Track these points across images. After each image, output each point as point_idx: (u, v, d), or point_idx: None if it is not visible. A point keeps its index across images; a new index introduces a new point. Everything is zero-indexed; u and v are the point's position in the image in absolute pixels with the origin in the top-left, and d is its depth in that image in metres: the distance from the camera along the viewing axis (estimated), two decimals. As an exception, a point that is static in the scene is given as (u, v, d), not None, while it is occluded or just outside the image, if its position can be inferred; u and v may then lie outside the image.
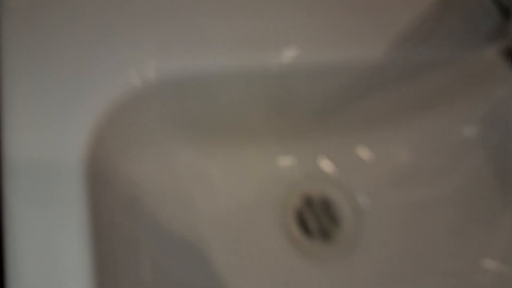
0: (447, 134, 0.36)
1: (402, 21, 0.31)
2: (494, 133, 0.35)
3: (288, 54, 0.30)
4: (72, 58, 0.28)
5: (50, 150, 0.25)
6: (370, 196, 0.37)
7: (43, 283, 0.22)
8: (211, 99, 0.32)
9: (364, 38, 0.31)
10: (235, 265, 0.33)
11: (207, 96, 0.32)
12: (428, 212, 0.36)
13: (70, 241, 0.23)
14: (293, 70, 0.31)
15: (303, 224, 0.36)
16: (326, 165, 0.38)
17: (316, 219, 0.37)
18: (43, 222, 0.23)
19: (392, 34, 0.31)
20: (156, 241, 0.31)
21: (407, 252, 0.35)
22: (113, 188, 0.28)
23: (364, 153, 0.38)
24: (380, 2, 0.32)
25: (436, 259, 0.35)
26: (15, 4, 0.28)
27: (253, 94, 0.32)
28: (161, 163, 0.34)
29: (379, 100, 0.36)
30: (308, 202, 0.38)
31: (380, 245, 0.36)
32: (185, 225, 0.34)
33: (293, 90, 0.33)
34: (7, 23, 0.28)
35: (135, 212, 0.30)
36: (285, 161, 0.38)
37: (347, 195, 0.38)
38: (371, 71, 0.32)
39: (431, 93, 0.35)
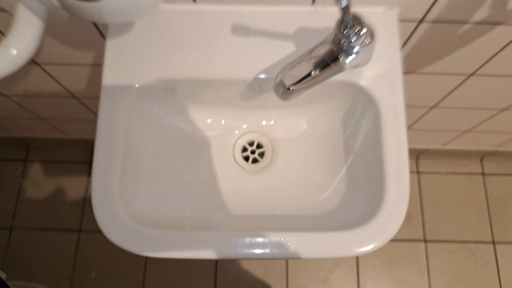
0: (327, 118, 0.68)
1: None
2: (346, 122, 0.66)
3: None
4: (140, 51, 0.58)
5: (121, 82, 0.57)
6: (282, 143, 0.70)
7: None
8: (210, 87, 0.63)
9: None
10: (203, 170, 0.67)
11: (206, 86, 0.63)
12: (310, 155, 0.69)
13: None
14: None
15: (245, 154, 0.70)
16: (264, 126, 0.71)
17: (252, 152, 0.70)
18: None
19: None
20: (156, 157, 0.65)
21: (296, 171, 0.69)
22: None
23: (285, 121, 0.70)
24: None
25: (310, 175, 0.69)
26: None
27: (234, 90, 0.63)
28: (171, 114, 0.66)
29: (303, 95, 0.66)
30: (250, 143, 0.71)
31: (283, 167, 0.70)
32: (175, 146, 0.67)
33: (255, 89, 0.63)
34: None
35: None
36: (242, 121, 0.70)
37: (272, 142, 0.70)
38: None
39: (321, 96, 0.66)
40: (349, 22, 0.48)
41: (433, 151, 1.35)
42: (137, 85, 0.59)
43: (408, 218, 1.34)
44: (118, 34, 0.61)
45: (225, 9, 0.61)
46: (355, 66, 0.58)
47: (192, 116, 0.69)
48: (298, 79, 0.53)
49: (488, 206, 1.36)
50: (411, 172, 1.40)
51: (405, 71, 0.81)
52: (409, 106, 1.00)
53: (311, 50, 0.54)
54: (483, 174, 1.41)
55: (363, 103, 0.62)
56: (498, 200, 1.37)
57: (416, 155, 1.41)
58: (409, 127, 1.15)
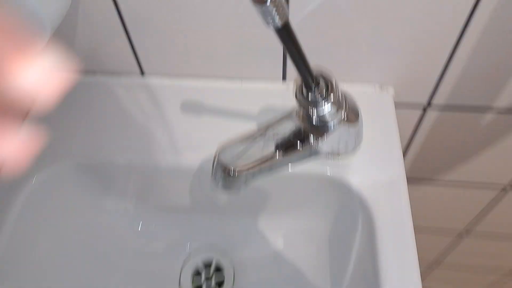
0: (308, 229, 0.50)
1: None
2: (333, 236, 0.48)
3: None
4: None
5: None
6: (250, 268, 0.51)
7: None
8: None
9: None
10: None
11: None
12: (287, 283, 0.49)
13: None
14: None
15: (197, 282, 0.50)
16: (226, 240, 0.53)
17: (207, 278, 0.51)
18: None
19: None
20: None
21: None
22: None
23: (255, 235, 0.52)
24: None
25: None
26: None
27: (182, 183, 0.48)
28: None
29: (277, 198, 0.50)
30: (206, 264, 0.52)
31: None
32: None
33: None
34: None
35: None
36: (194, 231, 0.53)
37: (235, 265, 0.51)
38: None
39: (300, 198, 0.49)
40: (312, 81, 0.34)
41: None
42: (48, 171, 0.45)
43: None
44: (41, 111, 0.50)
45: (179, 84, 0.50)
46: (335, 152, 0.42)
47: (120, 218, 0.53)
48: (249, 161, 0.37)
49: None
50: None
51: (419, 177, 0.64)
52: (432, 232, 0.79)
53: (269, 126, 0.40)
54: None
55: (353, 212, 0.44)
56: None
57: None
58: (437, 262, 0.91)
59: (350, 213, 0.46)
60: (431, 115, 0.51)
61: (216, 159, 0.37)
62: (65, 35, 0.46)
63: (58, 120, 0.48)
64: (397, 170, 0.44)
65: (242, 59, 0.47)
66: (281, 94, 0.49)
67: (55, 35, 0.46)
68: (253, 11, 0.27)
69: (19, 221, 0.42)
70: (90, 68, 0.51)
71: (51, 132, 0.47)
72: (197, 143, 0.46)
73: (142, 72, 0.50)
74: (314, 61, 0.46)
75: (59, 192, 0.46)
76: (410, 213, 0.42)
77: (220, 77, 0.49)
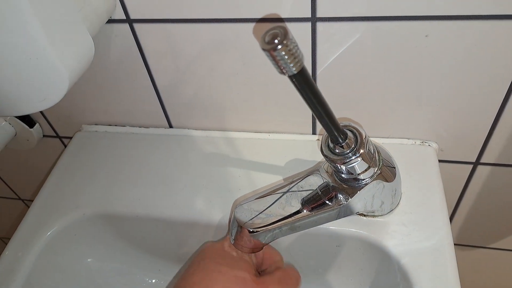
0: None
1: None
2: None
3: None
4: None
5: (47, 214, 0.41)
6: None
7: None
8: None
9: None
10: None
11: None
12: None
13: None
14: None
15: None
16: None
17: None
18: None
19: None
20: None
21: None
22: None
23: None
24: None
25: None
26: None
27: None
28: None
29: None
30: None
31: None
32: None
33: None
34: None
35: None
36: None
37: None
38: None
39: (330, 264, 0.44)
40: (338, 134, 0.31)
41: None
42: (66, 219, 0.44)
43: None
44: (71, 160, 0.50)
45: (205, 135, 0.49)
46: (369, 211, 0.38)
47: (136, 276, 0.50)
48: (269, 219, 0.34)
49: None
50: None
51: (468, 243, 0.57)
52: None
53: (293, 181, 0.37)
54: None
55: (392, 281, 0.39)
56: None
57: None
58: None
59: (387, 282, 0.40)
60: (483, 170, 0.45)
61: (232, 216, 0.34)
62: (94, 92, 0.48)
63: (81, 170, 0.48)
64: (443, 234, 0.38)
65: (269, 113, 0.45)
66: (312, 144, 0.46)
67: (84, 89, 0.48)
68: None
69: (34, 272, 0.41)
70: (120, 122, 0.52)
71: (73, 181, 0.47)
72: (217, 195, 0.44)
73: (170, 126, 0.50)
74: (345, 115, 0.44)
75: (76, 241, 0.45)
76: (459, 285, 0.36)
77: (246, 130, 0.48)
